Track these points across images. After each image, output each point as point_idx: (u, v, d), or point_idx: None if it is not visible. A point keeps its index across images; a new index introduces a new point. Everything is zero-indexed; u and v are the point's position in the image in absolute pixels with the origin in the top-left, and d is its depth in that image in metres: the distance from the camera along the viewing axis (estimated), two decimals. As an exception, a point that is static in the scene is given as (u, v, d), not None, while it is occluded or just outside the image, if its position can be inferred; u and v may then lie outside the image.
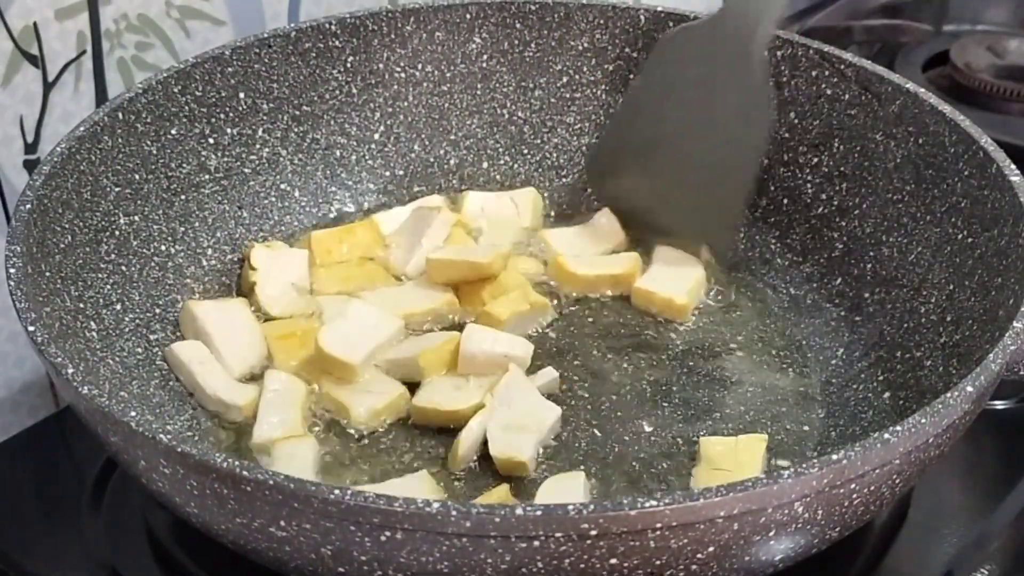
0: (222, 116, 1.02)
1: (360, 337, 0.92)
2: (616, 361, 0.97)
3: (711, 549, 0.66)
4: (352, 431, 0.90)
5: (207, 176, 1.02)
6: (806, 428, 0.92)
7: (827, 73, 1.03)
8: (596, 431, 0.90)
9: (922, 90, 0.98)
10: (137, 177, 0.96)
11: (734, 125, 1.02)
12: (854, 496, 0.69)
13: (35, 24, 0.95)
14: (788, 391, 0.95)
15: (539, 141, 1.13)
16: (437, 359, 0.92)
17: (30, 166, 0.98)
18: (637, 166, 1.08)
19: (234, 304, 0.97)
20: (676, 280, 1.03)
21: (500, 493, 0.83)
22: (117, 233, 0.93)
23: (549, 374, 0.93)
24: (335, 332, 0.92)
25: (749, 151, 1.03)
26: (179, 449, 0.67)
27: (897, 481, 0.71)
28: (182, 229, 0.99)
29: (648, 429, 0.91)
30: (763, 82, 1.02)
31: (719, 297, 1.04)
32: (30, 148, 0.98)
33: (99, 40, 1.00)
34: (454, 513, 0.62)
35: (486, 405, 0.89)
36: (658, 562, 0.65)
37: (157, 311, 0.95)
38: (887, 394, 0.91)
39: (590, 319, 1.02)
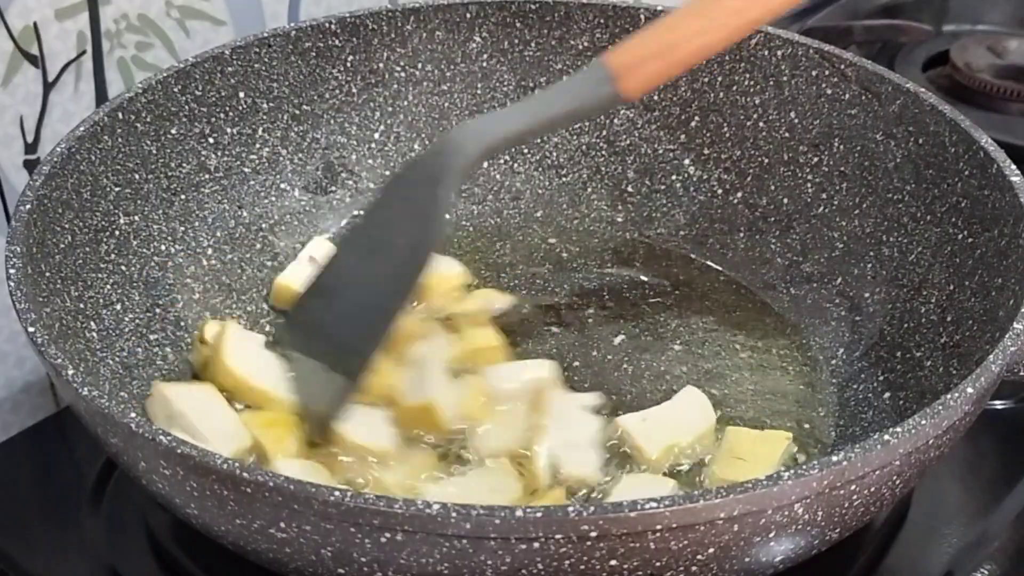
0: (222, 116, 1.02)
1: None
2: (615, 361, 0.97)
3: (711, 550, 0.66)
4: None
5: (207, 176, 1.02)
6: (806, 427, 0.92)
7: (827, 73, 1.03)
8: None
9: (922, 90, 0.97)
10: (137, 177, 0.96)
11: (393, 271, 0.89)
12: (854, 497, 0.69)
13: (35, 24, 0.95)
14: (788, 390, 0.95)
15: (539, 140, 1.13)
16: (475, 407, 0.90)
17: (30, 166, 0.98)
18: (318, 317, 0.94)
19: (205, 388, 0.90)
20: (667, 429, 0.90)
21: (555, 496, 0.83)
22: (117, 233, 0.93)
23: (595, 397, 0.93)
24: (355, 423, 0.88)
25: (389, 304, 0.88)
26: (179, 450, 0.67)
27: (897, 482, 0.71)
28: (182, 229, 0.99)
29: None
30: (434, 223, 0.88)
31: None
32: (30, 148, 0.98)
33: (99, 40, 1.00)
34: (454, 515, 0.62)
35: (545, 428, 0.87)
36: (658, 563, 0.65)
37: (157, 311, 0.94)
38: (887, 394, 0.91)
39: (590, 320, 1.02)
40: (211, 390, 0.89)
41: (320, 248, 1.04)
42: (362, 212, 1.02)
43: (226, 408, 0.88)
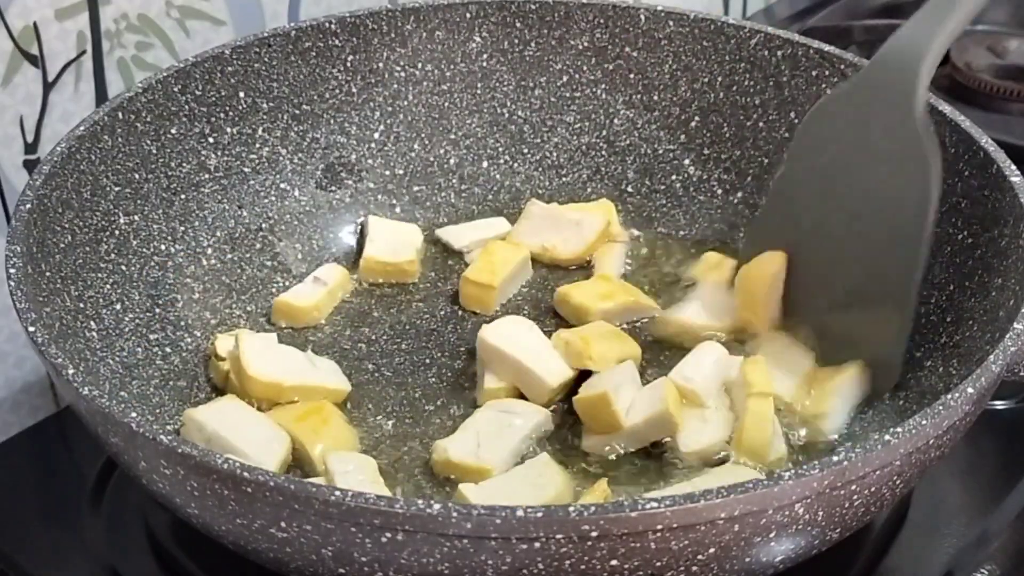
0: (222, 115, 1.02)
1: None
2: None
3: (712, 550, 0.66)
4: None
5: (207, 175, 1.02)
6: (806, 427, 0.92)
7: (827, 73, 1.03)
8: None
9: (923, 90, 0.97)
10: (137, 176, 0.96)
11: (891, 204, 0.88)
12: (854, 497, 0.69)
13: (35, 24, 0.95)
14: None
15: (539, 140, 1.13)
16: (673, 408, 0.88)
17: (30, 166, 0.98)
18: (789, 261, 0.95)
19: (232, 402, 0.89)
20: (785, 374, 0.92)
21: (600, 489, 0.83)
22: (117, 232, 0.93)
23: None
24: (460, 444, 0.87)
25: (911, 235, 0.87)
26: (180, 450, 0.67)
27: (897, 482, 0.71)
28: (182, 228, 0.99)
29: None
30: (925, 148, 0.86)
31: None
32: (30, 148, 0.98)
33: (99, 40, 1.00)
34: (455, 515, 0.62)
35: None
36: (659, 563, 0.65)
37: (157, 311, 0.94)
38: (887, 394, 0.91)
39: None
40: (237, 403, 0.89)
41: (329, 272, 1.04)
42: (796, 145, 0.97)
43: (257, 416, 0.88)
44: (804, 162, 0.95)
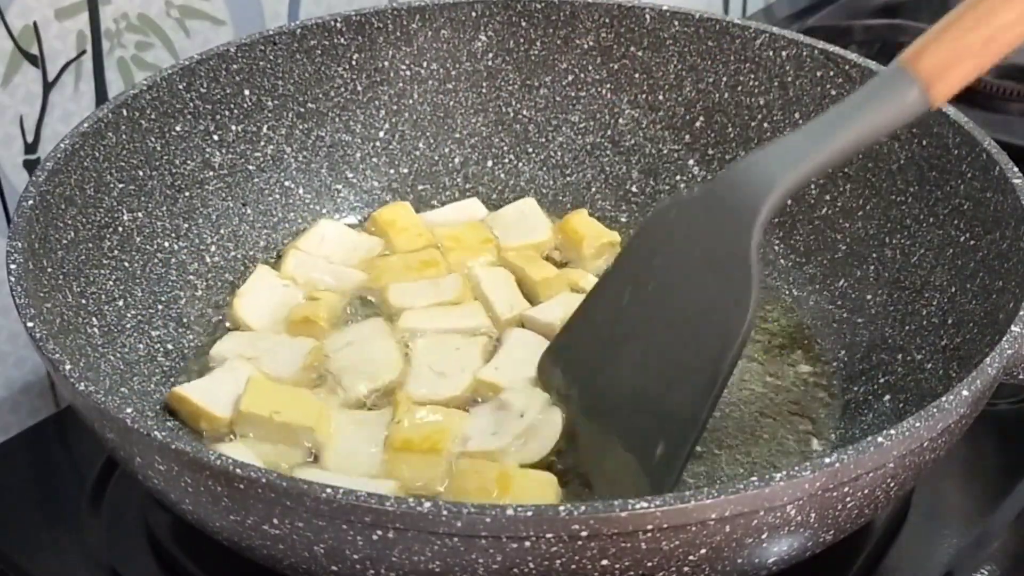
0: (227, 113, 1.02)
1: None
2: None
3: (703, 551, 0.66)
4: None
5: (211, 173, 1.02)
6: (807, 428, 0.92)
7: (832, 74, 1.03)
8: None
9: (927, 92, 0.97)
10: (141, 173, 0.96)
11: (703, 324, 0.81)
12: (847, 499, 0.69)
13: (35, 24, 0.96)
14: (789, 391, 0.95)
15: (544, 140, 1.13)
16: None
17: (30, 166, 0.99)
18: (589, 363, 0.89)
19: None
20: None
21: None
22: (120, 229, 0.94)
23: None
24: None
25: (714, 358, 0.80)
26: (173, 446, 0.67)
27: (892, 484, 0.71)
28: (186, 226, 1.00)
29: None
30: (751, 282, 0.79)
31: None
32: (30, 148, 0.98)
33: (99, 40, 1.00)
34: (445, 513, 0.62)
35: None
36: (649, 564, 0.65)
37: (159, 307, 0.95)
38: (887, 397, 0.91)
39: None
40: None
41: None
42: (629, 246, 0.90)
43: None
44: (631, 261, 0.88)
